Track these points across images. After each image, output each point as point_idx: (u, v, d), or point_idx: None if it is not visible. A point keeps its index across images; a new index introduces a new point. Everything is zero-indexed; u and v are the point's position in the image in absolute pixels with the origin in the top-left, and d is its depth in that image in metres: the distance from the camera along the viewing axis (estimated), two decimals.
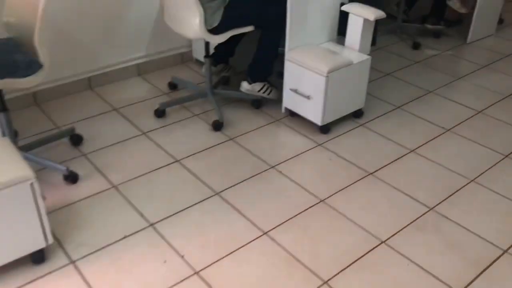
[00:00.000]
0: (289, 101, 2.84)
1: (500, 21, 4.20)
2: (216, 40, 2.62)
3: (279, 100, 2.92)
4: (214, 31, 2.57)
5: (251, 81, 2.87)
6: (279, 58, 2.83)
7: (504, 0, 4.03)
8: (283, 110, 2.92)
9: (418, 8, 4.22)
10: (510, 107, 3.05)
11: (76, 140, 2.59)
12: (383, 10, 3.08)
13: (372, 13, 2.66)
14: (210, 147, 2.62)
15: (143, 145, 2.63)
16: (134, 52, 3.28)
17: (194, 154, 2.56)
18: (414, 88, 3.26)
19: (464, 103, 3.08)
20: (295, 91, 2.75)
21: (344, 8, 2.77)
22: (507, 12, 4.37)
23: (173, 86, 3.18)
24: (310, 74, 2.63)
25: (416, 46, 3.83)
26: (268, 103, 3.00)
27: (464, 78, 3.40)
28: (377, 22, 2.99)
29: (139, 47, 3.28)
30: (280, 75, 2.86)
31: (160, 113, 2.86)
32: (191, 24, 2.53)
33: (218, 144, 2.65)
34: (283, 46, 2.73)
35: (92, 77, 3.14)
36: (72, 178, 2.31)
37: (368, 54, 2.78)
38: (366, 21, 2.70)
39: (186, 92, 3.13)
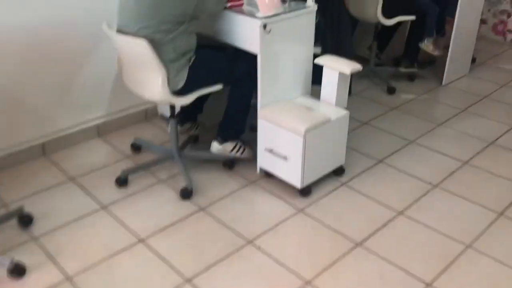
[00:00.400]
0: (265, 161, 2.61)
1: (473, 60, 4.13)
2: (182, 102, 2.38)
3: (254, 158, 2.69)
4: (179, 92, 2.34)
5: (222, 140, 2.64)
6: (252, 110, 2.61)
7: (475, 39, 3.97)
8: (258, 170, 2.68)
9: (390, 50, 4.12)
10: (496, 155, 2.90)
11: (26, 221, 2.27)
12: (354, 55, 2.94)
13: (348, 67, 2.48)
14: (178, 220, 2.34)
15: (102, 222, 2.34)
16: (93, 112, 3.01)
17: (160, 230, 2.28)
18: (394, 138, 3.08)
19: (449, 153, 2.91)
20: (270, 151, 2.53)
21: (317, 61, 2.59)
22: (479, 51, 4.32)
23: (136, 147, 2.91)
24: (286, 134, 2.42)
25: (391, 91, 3.69)
26: (242, 163, 2.76)
27: (445, 124, 3.25)
28: (349, 48, 2.86)
29: (98, 106, 3.02)
30: (254, 129, 2.64)
31: (122, 182, 2.58)
32: (153, 86, 2.29)
33: (188, 216, 2.38)
34: (256, 97, 2.51)
35: (46, 142, 2.84)
36: (17, 271, 1.98)
37: (345, 108, 2.60)
38: (341, 74, 2.52)
39: (151, 155, 2.86)
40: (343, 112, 2.55)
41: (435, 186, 2.61)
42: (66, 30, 2.71)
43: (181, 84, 2.30)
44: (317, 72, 2.67)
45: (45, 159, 2.82)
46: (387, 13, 3.48)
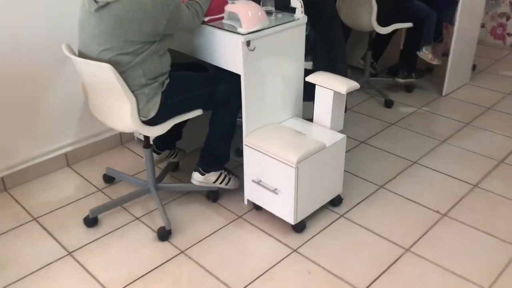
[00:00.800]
0: (252, 193, 2.32)
1: (473, 68, 3.87)
2: (154, 132, 2.08)
3: (241, 187, 2.40)
4: (151, 121, 2.04)
5: (204, 171, 2.34)
6: (238, 130, 2.31)
7: (475, 46, 3.72)
8: (245, 201, 2.39)
9: (385, 59, 3.86)
10: (508, 176, 2.63)
11: None
12: (346, 71, 2.67)
13: (343, 85, 2.20)
14: (155, 268, 2.04)
15: (67, 272, 2.03)
16: (60, 139, 2.70)
17: (134, 281, 1.98)
18: (395, 158, 2.81)
19: (455, 175, 2.64)
20: (259, 182, 2.23)
21: (309, 79, 2.31)
22: (478, 57, 4.07)
23: (109, 179, 2.61)
24: (275, 164, 2.13)
25: (388, 104, 3.42)
26: (227, 193, 2.47)
27: (448, 140, 2.98)
28: (343, 63, 2.60)
29: (66, 133, 2.71)
30: (240, 153, 2.35)
31: (91, 222, 2.27)
32: (121, 116, 2.00)
33: (166, 261, 2.08)
34: (241, 117, 2.23)
35: (6, 176, 2.53)
36: None
37: (342, 131, 2.32)
38: (336, 94, 2.24)
39: (126, 186, 2.56)
40: (339, 136, 2.26)
41: (444, 215, 2.34)
42: (25, 51, 2.41)
43: (153, 112, 2.00)
44: (309, 88, 2.39)
45: (5, 195, 2.51)
46: (382, 21, 3.21)
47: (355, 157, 2.81)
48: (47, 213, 2.38)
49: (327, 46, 2.64)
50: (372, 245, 2.16)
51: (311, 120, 2.45)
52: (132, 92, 1.94)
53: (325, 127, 2.32)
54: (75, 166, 2.75)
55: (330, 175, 2.29)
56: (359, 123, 3.20)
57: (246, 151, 2.25)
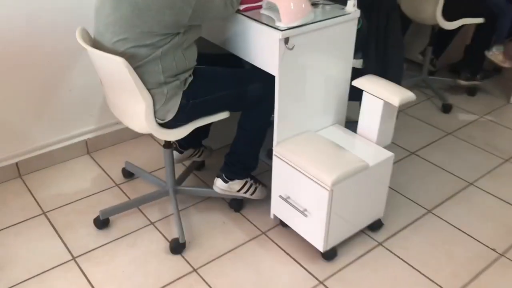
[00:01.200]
0: (279, 209, 2.05)
1: None
2: (172, 136, 1.84)
3: (268, 197, 2.14)
4: (169, 124, 1.80)
5: (228, 178, 2.09)
6: (270, 129, 2.01)
7: None
8: (271, 215, 2.13)
9: (447, 53, 3.43)
10: None
11: None
12: (401, 75, 2.32)
13: (397, 95, 1.87)
14: (162, 287, 1.84)
15: (68, 282, 1.85)
16: (81, 126, 2.51)
17: None
18: (448, 176, 2.45)
19: None
20: (287, 199, 1.96)
21: (357, 83, 1.98)
22: None
23: (128, 173, 2.41)
24: (307, 183, 1.84)
25: (446, 109, 3.03)
26: (252, 202, 2.22)
27: None
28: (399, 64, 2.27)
29: (87, 119, 2.52)
30: (271, 156, 2.07)
31: (101, 224, 2.08)
32: (135, 115, 1.76)
33: (175, 280, 1.86)
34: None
35: (21, 162, 2.37)
36: None
37: (389, 147, 2.00)
38: (387, 105, 1.91)
39: (144, 183, 2.35)
40: (386, 154, 1.94)
41: (501, 254, 1.99)
42: (43, 30, 2.20)
43: (171, 114, 1.75)
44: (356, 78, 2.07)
45: (19, 182, 2.35)
46: (449, 15, 2.80)
47: (402, 171, 2.47)
48: (57, 207, 2.21)
49: (382, 44, 2.29)
50: (412, 286, 1.85)
51: (355, 123, 2.15)
52: (149, 90, 1.69)
53: (370, 141, 2.01)
54: (95, 155, 2.57)
55: (371, 198, 1.99)
56: (410, 129, 2.84)
57: (275, 162, 1.97)
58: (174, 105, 1.74)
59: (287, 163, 1.90)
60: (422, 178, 2.44)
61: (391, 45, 2.28)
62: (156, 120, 1.75)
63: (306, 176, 1.83)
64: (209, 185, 2.21)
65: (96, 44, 1.73)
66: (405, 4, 2.92)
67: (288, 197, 1.96)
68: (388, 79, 2.10)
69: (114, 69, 1.65)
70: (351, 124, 2.19)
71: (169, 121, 1.77)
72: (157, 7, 1.57)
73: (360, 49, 2.25)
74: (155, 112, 1.73)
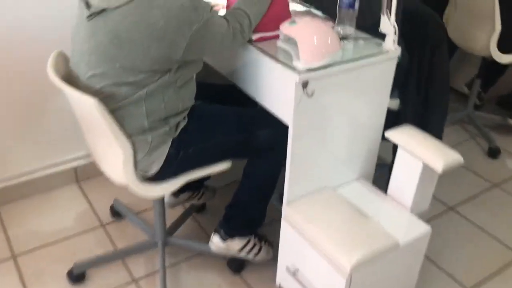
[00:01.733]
0: (286, 281, 1.70)
1: None
2: (157, 192, 1.50)
3: (273, 259, 1.79)
4: (154, 177, 1.46)
5: (227, 235, 1.74)
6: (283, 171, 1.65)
7: None
8: (277, 284, 1.78)
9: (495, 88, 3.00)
10: None
11: None
12: (443, 123, 1.94)
13: (442, 158, 1.48)
14: None
15: None
16: (70, 151, 2.21)
17: None
18: (493, 244, 2.04)
19: None
20: (294, 273, 1.61)
21: (390, 135, 1.61)
22: None
23: (116, 212, 2.09)
24: (320, 262, 1.48)
25: (493, 153, 2.60)
26: (256, 264, 1.87)
27: None
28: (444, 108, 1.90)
29: (78, 144, 2.21)
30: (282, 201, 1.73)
31: (75, 278, 1.77)
32: (113, 165, 1.44)
33: None
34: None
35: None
36: None
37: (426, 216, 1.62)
38: (427, 168, 1.53)
39: (131, 228, 2.03)
40: (421, 228, 1.56)
41: None
42: (31, 43, 1.90)
43: (156, 167, 1.42)
44: (389, 121, 1.70)
45: None
46: (506, 46, 2.38)
47: (437, 232, 2.07)
48: (30, 250, 1.91)
49: (424, 82, 1.91)
50: None
51: (385, 167, 1.79)
52: (130, 136, 1.36)
53: (403, 206, 1.63)
54: (84, 184, 2.26)
55: (399, 280, 1.61)
56: (449, 176, 2.43)
57: (284, 227, 1.62)
58: (160, 155, 1.41)
59: (298, 231, 1.54)
60: (461, 243, 2.04)
61: (435, 85, 1.89)
62: (137, 173, 1.42)
63: (319, 252, 1.47)
64: (208, 233, 1.88)
65: (71, 77, 1.41)
66: (453, 28, 2.51)
67: (297, 270, 1.60)
68: (429, 127, 1.74)
69: (87, 110, 1.32)
70: (380, 167, 1.82)
71: (154, 174, 1.44)
72: (142, 39, 1.23)
73: (397, 87, 1.87)
74: (136, 162, 1.40)
